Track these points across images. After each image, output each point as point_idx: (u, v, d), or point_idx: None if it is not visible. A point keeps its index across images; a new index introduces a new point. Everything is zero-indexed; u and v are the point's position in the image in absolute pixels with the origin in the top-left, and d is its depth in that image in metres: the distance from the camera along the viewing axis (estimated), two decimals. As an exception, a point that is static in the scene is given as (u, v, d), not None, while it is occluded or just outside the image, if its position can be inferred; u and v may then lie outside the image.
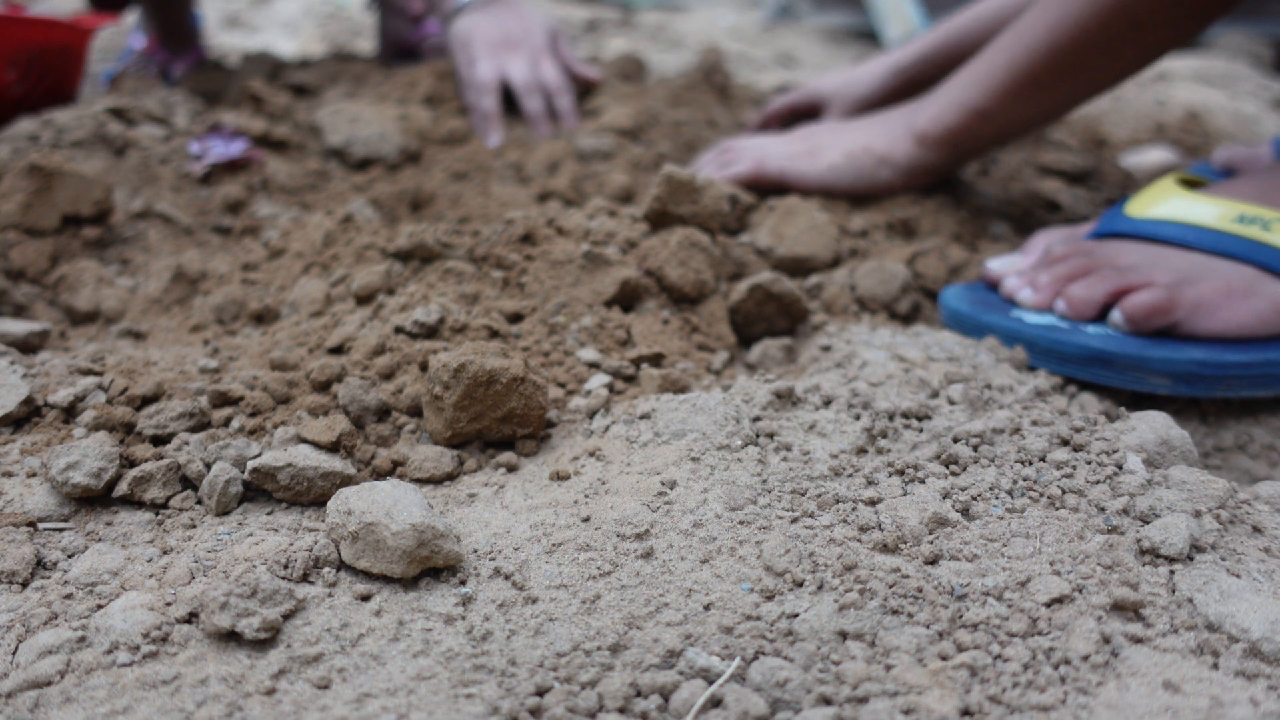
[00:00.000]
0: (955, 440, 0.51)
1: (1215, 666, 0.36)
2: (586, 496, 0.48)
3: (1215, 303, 0.61)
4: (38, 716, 0.35)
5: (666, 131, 1.09)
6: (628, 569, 0.42)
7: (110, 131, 0.92)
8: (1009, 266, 0.72)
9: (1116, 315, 0.62)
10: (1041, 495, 0.46)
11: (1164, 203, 0.69)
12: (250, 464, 0.49)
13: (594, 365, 0.61)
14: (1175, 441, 0.50)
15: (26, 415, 0.54)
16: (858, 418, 0.53)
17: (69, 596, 0.42)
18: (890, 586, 0.40)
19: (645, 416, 0.54)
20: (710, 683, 0.36)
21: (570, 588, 0.41)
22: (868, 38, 2.47)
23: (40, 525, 0.47)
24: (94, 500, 0.49)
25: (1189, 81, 1.65)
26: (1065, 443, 0.50)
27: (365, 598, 0.41)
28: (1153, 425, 0.50)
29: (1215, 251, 0.63)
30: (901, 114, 0.88)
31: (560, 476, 0.51)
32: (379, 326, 0.62)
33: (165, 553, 0.46)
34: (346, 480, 0.50)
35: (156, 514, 0.49)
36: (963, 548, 0.43)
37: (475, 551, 0.44)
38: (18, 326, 0.65)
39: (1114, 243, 0.68)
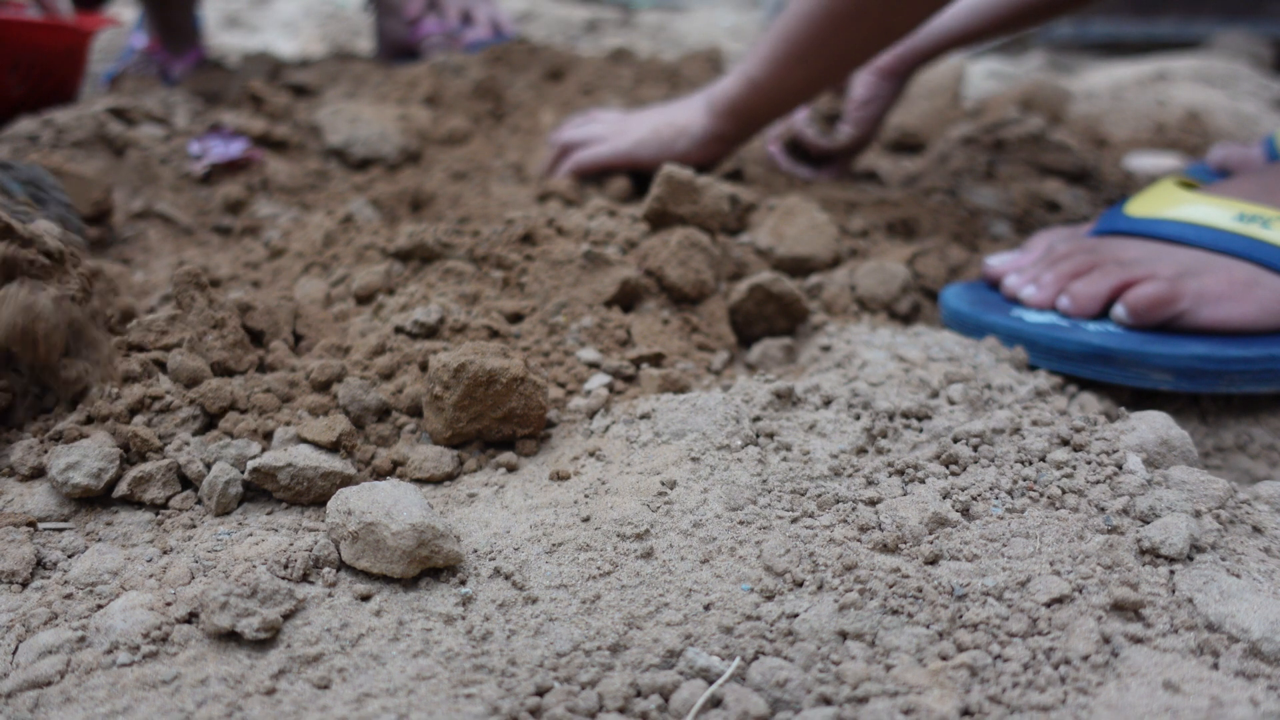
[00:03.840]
0: (955, 440, 0.51)
1: (1215, 666, 0.36)
2: (586, 496, 0.48)
3: (1219, 294, 0.61)
4: (38, 716, 0.35)
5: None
6: (628, 569, 0.42)
7: (110, 131, 0.92)
8: (1010, 264, 0.72)
9: (1119, 309, 0.62)
10: (1041, 495, 0.46)
11: (1164, 202, 0.69)
12: (250, 464, 0.49)
13: (594, 365, 0.61)
14: (1175, 441, 0.50)
15: (26, 415, 0.54)
16: (858, 418, 0.53)
17: (69, 596, 0.42)
18: (890, 586, 0.40)
19: (645, 416, 0.54)
20: (710, 683, 0.36)
21: (570, 588, 0.41)
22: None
23: (40, 525, 0.47)
24: (94, 500, 0.49)
25: (1189, 81, 1.65)
26: (1065, 443, 0.50)
27: (365, 598, 0.41)
28: (1153, 425, 0.50)
29: (1216, 249, 0.63)
30: (706, 90, 0.94)
31: (560, 476, 0.51)
32: (379, 326, 0.62)
33: (165, 553, 0.46)
34: (346, 480, 0.50)
35: (156, 514, 0.49)
36: (963, 548, 0.43)
37: (475, 551, 0.44)
38: None
39: (1117, 240, 0.68)
